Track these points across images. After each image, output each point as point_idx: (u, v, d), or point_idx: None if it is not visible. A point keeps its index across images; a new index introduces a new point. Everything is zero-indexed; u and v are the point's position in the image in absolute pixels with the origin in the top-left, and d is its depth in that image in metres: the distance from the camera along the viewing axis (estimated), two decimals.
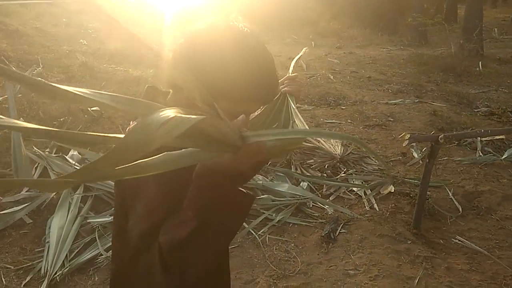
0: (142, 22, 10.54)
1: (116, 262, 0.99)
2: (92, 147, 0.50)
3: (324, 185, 3.42)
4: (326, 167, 3.73)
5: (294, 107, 1.01)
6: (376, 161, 4.00)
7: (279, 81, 1.10)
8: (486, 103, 6.38)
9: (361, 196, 3.32)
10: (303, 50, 1.39)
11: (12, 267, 2.34)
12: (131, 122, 0.97)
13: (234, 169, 0.70)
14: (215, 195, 0.73)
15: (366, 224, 2.95)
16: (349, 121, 5.46)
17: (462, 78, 8.20)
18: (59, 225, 2.63)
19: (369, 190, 3.39)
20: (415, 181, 3.51)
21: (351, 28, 13.40)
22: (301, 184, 3.38)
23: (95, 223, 2.70)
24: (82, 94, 0.46)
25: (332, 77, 8.09)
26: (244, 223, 2.85)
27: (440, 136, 2.59)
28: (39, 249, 2.51)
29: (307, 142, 4.20)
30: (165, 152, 0.56)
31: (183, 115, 0.48)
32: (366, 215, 3.06)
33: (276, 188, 3.18)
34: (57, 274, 2.29)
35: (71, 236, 2.57)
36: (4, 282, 2.24)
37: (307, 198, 3.15)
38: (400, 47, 11.74)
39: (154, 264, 0.76)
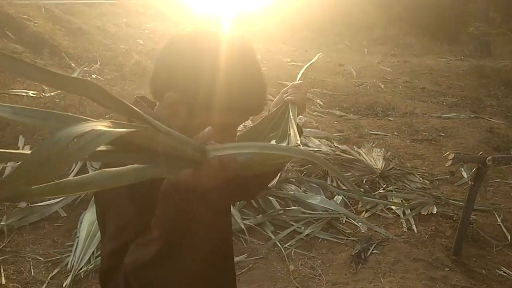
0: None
1: None
2: None
3: (360, 201, 3.26)
4: (364, 181, 3.56)
5: (292, 117, 0.94)
6: (420, 179, 3.77)
7: (283, 90, 1.03)
8: None
9: (399, 216, 3.13)
10: (316, 56, 1.30)
11: (42, 259, 2.43)
12: None
13: (195, 186, 0.65)
14: (179, 215, 0.67)
15: (401, 246, 2.76)
16: (395, 133, 5.22)
17: None
18: (90, 220, 2.69)
19: (409, 210, 3.19)
20: (461, 203, 3.25)
21: (408, 35, 12.89)
22: (335, 198, 3.25)
23: None
24: None
25: (382, 86, 7.80)
26: (271, 234, 2.78)
27: (488, 158, 2.37)
28: (70, 243, 2.58)
29: (346, 154, 4.05)
30: (102, 169, 0.51)
31: (104, 128, 0.43)
32: (402, 236, 2.87)
33: (307, 200, 3.07)
34: (82, 270, 2.34)
35: None
36: (32, 273, 2.33)
37: (340, 214, 3.01)
38: (460, 57, 11.12)
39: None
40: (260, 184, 1.10)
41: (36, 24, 7.65)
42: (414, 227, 2.98)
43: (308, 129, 4.87)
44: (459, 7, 12.90)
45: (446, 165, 2.40)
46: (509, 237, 2.92)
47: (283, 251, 2.63)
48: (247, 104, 0.81)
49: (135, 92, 4.99)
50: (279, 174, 3.28)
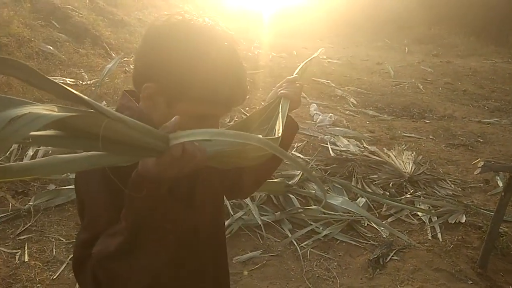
0: (240, 23, 10.75)
1: None
2: None
3: (385, 205, 3.16)
4: (391, 185, 3.45)
5: (281, 111, 0.91)
6: (451, 186, 3.61)
7: (278, 84, 1.00)
8: None
9: (424, 222, 3.00)
10: (319, 51, 1.25)
11: (64, 240, 2.52)
12: None
13: (158, 175, 0.63)
14: (144, 205, 0.66)
15: (424, 254, 2.65)
16: (430, 137, 5.02)
17: None
18: None
19: (436, 217, 3.05)
20: (492, 213, 3.08)
21: (452, 35, 12.36)
22: (358, 200, 3.16)
23: None
24: None
25: (421, 87, 7.53)
26: (288, 232, 2.75)
27: None
28: None
29: (375, 156, 3.94)
30: (53, 155, 0.50)
31: (42, 112, 0.42)
32: (425, 244, 2.76)
33: (328, 200, 3.01)
34: None
35: None
36: (54, 253, 2.42)
37: (362, 217, 2.93)
38: (507, 59, 10.55)
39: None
40: (255, 181, 1.08)
41: (80, 15, 7.91)
42: (439, 235, 2.85)
43: (338, 128, 4.77)
44: (507, 7, 12.21)
45: (475, 173, 2.27)
46: None
47: (299, 250, 2.59)
48: (222, 94, 0.78)
49: None
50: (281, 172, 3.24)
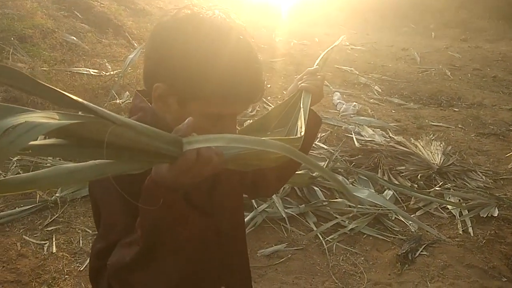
0: (260, 10, 10.60)
1: None
2: None
3: (413, 198, 3.07)
4: (419, 177, 3.34)
5: (303, 106, 0.85)
6: (483, 178, 3.47)
7: (298, 77, 0.94)
8: None
9: (454, 216, 2.90)
10: (340, 38, 1.18)
11: (90, 232, 2.54)
12: None
13: (173, 181, 0.59)
14: (160, 213, 0.62)
15: (454, 249, 2.57)
16: (459, 126, 4.85)
17: None
18: None
19: (466, 211, 2.95)
20: None
21: (481, 19, 11.88)
22: (385, 193, 3.08)
23: None
24: None
25: (449, 73, 7.28)
26: (313, 225, 2.70)
27: None
28: None
29: (402, 146, 3.83)
30: (56, 166, 0.47)
31: (40, 120, 0.39)
32: (456, 239, 2.67)
33: (354, 193, 2.93)
34: None
35: None
36: (81, 244, 2.45)
37: (389, 210, 2.85)
38: None
39: None
40: (278, 179, 1.03)
41: (102, 5, 7.94)
42: (470, 229, 2.75)
43: (362, 117, 4.66)
44: None
45: (509, 166, 2.16)
46: None
47: (324, 244, 2.55)
48: (237, 92, 0.73)
49: None
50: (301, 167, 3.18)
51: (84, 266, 2.28)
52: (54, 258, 2.32)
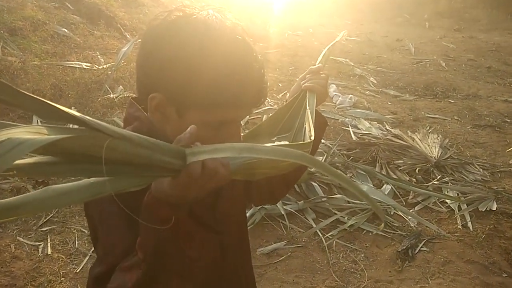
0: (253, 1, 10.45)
1: None
2: None
3: (411, 192, 3.05)
4: (417, 170, 3.33)
5: (309, 107, 0.80)
6: (480, 171, 3.47)
7: (300, 76, 0.89)
8: None
9: (453, 211, 2.89)
10: (342, 33, 1.14)
11: (86, 232, 2.49)
12: None
13: (176, 197, 0.55)
14: (163, 232, 0.57)
15: (454, 245, 2.56)
16: (455, 118, 4.84)
17: None
18: None
19: (465, 205, 2.94)
20: None
21: (475, 9, 11.85)
22: (383, 187, 3.06)
23: None
24: None
25: (444, 64, 7.26)
26: (312, 222, 2.67)
27: None
28: None
29: (399, 139, 3.81)
30: (47, 187, 0.42)
31: (25, 136, 0.34)
32: (455, 234, 2.66)
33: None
34: None
35: None
36: (76, 245, 2.40)
37: (388, 205, 2.83)
38: None
39: None
40: (285, 185, 0.98)
41: None
42: (469, 224, 2.75)
43: (359, 110, 4.63)
44: None
45: (511, 162, 2.14)
46: None
47: (324, 241, 2.52)
48: (237, 97, 0.68)
49: None
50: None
51: (80, 267, 2.23)
52: (49, 260, 2.27)
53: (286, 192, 1.07)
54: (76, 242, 2.42)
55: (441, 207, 2.94)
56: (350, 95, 5.01)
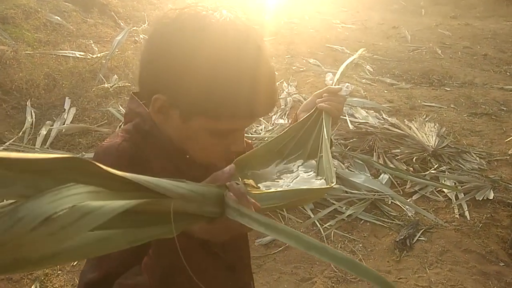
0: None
1: None
2: None
3: (408, 181, 3.05)
4: (414, 160, 3.33)
5: (326, 131, 0.78)
6: (477, 159, 3.47)
7: (317, 92, 0.86)
8: None
9: (451, 200, 2.90)
10: (359, 51, 1.13)
11: None
12: None
13: (206, 239, 0.56)
14: (177, 259, 0.56)
15: (452, 234, 2.57)
16: (452, 106, 4.83)
17: None
18: None
19: (462, 194, 2.95)
20: None
21: None
22: (381, 177, 3.06)
23: None
24: None
25: (440, 51, 7.23)
26: (310, 212, 2.67)
27: None
28: None
29: (396, 128, 3.80)
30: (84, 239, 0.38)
31: (92, 203, 0.31)
32: (453, 223, 2.67)
33: (350, 178, 2.91)
34: None
35: None
36: None
37: (386, 195, 2.83)
38: None
39: None
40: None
41: None
42: (467, 213, 2.76)
43: (355, 99, 4.60)
44: None
45: (509, 152, 2.14)
46: None
47: (322, 232, 2.53)
48: (247, 107, 0.65)
49: None
50: None
51: (77, 261, 2.22)
52: None
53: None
54: None
55: (438, 196, 2.95)
56: (347, 84, 4.90)
